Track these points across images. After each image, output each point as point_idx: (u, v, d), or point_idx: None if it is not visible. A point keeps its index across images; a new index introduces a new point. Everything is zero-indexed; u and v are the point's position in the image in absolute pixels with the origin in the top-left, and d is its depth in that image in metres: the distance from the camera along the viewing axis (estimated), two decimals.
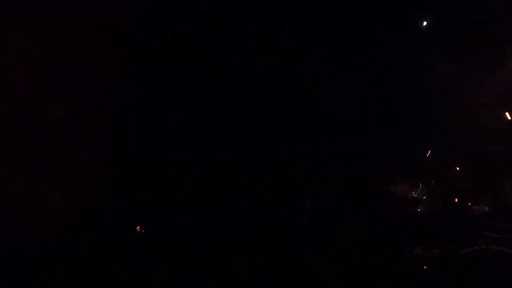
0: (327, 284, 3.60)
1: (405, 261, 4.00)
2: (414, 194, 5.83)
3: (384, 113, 5.90)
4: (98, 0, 4.89)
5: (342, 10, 5.73)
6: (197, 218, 5.02)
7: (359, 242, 4.52)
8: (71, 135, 4.69)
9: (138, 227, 4.67)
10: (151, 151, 5.33)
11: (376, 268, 3.87)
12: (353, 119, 5.87)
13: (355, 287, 3.59)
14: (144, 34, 5.26)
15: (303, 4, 5.67)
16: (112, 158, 5.00)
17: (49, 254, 4.04)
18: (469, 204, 5.76)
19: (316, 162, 5.80)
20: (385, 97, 5.86)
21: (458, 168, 5.86)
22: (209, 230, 4.85)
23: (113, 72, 5.02)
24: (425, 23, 5.74)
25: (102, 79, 4.93)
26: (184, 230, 4.79)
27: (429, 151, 5.92)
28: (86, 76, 4.78)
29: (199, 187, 5.32)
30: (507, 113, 5.31)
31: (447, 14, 5.65)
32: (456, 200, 5.83)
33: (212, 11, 5.53)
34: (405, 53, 5.75)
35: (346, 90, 5.85)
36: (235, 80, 5.62)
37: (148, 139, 5.32)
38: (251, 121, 5.69)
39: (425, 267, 3.89)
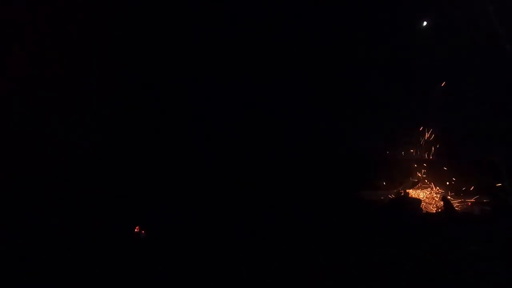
0: (327, 284, 3.60)
1: (405, 261, 3.99)
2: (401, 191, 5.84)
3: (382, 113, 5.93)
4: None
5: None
6: (196, 219, 5.03)
7: (359, 242, 4.53)
8: (72, 135, 4.70)
9: (137, 228, 4.68)
10: (152, 151, 5.34)
11: (375, 268, 3.87)
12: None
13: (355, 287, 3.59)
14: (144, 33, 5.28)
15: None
16: (113, 158, 5.01)
17: (49, 254, 4.05)
18: (469, 204, 5.76)
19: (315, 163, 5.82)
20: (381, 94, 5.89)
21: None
22: (208, 230, 4.86)
23: (116, 72, 5.04)
24: (425, 23, 5.75)
25: (103, 79, 4.94)
26: (183, 230, 4.80)
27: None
28: (87, 76, 4.79)
29: (198, 188, 5.34)
30: None
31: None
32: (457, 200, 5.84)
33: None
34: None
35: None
36: (235, 82, 5.64)
37: (149, 140, 5.33)
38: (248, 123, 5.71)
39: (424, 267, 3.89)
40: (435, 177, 6.14)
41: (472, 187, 5.85)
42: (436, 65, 5.78)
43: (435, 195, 6.04)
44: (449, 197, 5.89)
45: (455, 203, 5.76)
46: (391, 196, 5.87)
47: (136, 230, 4.61)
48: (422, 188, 6.15)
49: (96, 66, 4.86)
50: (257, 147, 5.65)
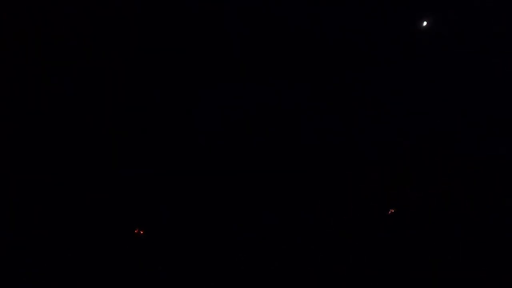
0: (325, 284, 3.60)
1: (405, 261, 3.99)
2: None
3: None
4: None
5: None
6: (196, 218, 5.03)
7: (358, 243, 4.52)
8: (72, 135, 4.70)
9: (136, 229, 4.68)
10: (152, 151, 5.34)
11: (375, 268, 3.87)
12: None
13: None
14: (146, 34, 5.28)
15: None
16: (113, 158, 5.01)
17: (49, 254, 4.05)
18: (469, 204, 5.75)
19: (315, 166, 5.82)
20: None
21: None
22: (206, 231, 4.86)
23: (117, 73, 5.04)
24: (425, 23, 5.75)
25: (104, 79, 4.95)
26: (182, 230, 4.80)
27: None
28: (87, 76, 4.80)
29: (198, 188, 5.34)
30: None
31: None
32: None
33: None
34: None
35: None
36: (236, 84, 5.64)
37: (149, 139, 5.33)
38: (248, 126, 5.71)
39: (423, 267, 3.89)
40: (435, 177, 6.13)
41: (472, 187, 5.84)
42: (437, 65, 5.77)
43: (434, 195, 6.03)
44: (448, 196, 5.88)
45: (455, 203, 5.75)
46: (391, 196, 5.87)
47: (135, 232, 4.62)
48: (422, 188, 6.14)
49: (96, 66, 4.85)
50: (257, 147, 5.64)
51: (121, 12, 5.07)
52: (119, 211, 4.85)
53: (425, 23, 5.77)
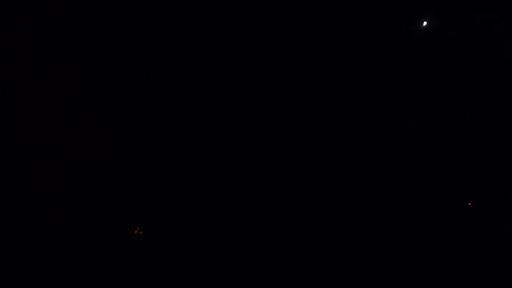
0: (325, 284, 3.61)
1: (405, 260, 4.00)
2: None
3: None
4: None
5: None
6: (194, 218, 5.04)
7: (358, 242, 4.53)
8: (71, 134, 4.71)
9: (136, 230, 4.69)
10: (152, 151, 5.34)
11: (375, 268, 3.88)
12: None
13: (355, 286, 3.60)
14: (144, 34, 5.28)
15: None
16: (112, 158, 5.01)
17: (49, 254, 4.05)
18: (469, 203, 5.76)
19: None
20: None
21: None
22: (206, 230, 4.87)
23: (116, 71, 5.04)
24: (425, 23, 5.75)
25: (104, 78, 4.95)
26: (182, 231, 4.81)
27: None
28: (86, 75, 4.80)
29: (196, 188, 5.35)
30: None
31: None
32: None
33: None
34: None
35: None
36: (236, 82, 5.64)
37: (148, 140, 5.33)
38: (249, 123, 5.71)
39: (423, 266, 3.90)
40: (434, 177, 6.14)
41: (472, 187, 5.85)
42: (437, 65, 5.78)
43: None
44: (448, 196, 5.89)
45: (455, 202, 5.76)
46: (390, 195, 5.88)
47: (135, 232, 4.63)
48: (421, 187, 6.15)
49: (95, 66, 4.85)
50: (256, 147, 5.65)
51: (120, 12, 5.07)
52: (119, 211, 4.86)
53: (425, 23, 5.77)
